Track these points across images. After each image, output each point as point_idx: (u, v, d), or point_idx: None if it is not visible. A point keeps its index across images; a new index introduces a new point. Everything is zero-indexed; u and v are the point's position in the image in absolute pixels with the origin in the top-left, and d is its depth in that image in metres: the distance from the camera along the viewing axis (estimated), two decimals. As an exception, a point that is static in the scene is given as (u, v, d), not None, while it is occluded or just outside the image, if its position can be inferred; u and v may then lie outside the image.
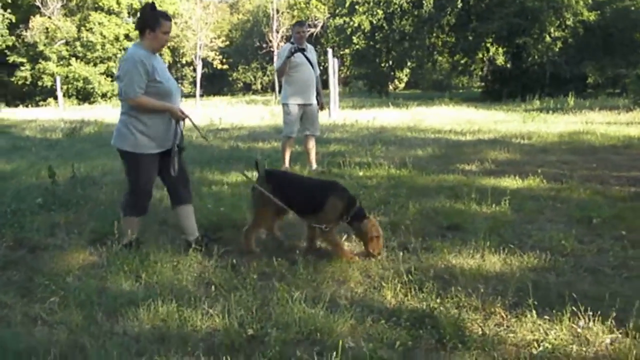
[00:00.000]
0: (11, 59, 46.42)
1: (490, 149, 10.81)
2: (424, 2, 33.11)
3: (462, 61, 36.83)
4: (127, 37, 47.39)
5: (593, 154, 10.27)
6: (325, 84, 18.78)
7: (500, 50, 34.48)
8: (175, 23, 48.94)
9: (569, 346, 3.35)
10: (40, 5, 46.09)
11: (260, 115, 22.38)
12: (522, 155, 10.25)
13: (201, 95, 46.07)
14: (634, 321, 3.47)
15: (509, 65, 34.81)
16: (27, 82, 46.34)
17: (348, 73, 45.96)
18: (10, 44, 46.80)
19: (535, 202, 6.71)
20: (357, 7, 36.79)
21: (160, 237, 5.63)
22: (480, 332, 3.56)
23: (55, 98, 42.94)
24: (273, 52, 46.48)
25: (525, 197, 6.91)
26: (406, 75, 53.47)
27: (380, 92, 40.13)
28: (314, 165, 9.10)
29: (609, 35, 33.51)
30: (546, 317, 3.68)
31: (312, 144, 9.14)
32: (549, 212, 6.35)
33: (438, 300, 3.97)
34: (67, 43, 46.35)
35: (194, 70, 48.60)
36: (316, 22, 50.95)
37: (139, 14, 4.95)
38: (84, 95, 45.84)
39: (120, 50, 46.67)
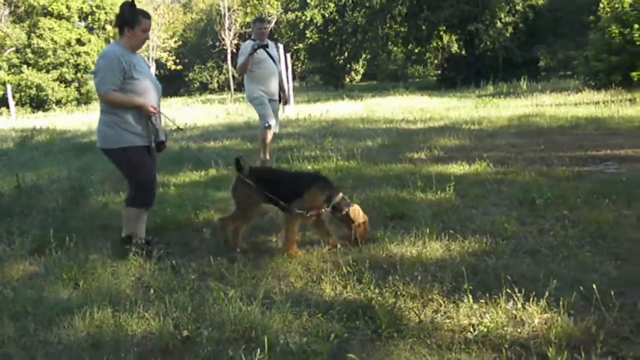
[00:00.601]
0: (-41, 68, 45.30)
1: (440, 136, 10.87)
2: (374, -7, 33.20)
3: (416, 50, 37.05)
4: (79, 41, 46.51)
5: (540, 136, 10.40)
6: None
7: (453, 37, 34.76)
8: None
9: (504, 328, 3.35)
10: (-14, 13, 45.10)
11: (215, 114, 22.20)
12: (471, 140, 10.32)
13: (157, 97, 45.41)
14: (567, 300, 3.49)
15: (462, 52, 35.08)
16: (-22, 92, 45.22)
17: (303, 67, 45.89)
18: (-43, 53, 45.77)
19: (481, 186, 6.75)
20: (308, 1, 36.73)
21: (101, 242, 5.51)
22: (417, 320, 3.56)
23: (8, 107, 42.17)
24: (226, 50, 46.23)
25: (471, 183, 6.95)
26: (362, 67, 53.58)
27: (335, 85, 40.18)
28: (267, 157, 8.97)
29: (558, 18, 34.04)
30: (482, 301, 3.69)
31: (269, 137, 8.98)
32: (494, 196, 6.39)
33: (376, 291, 3.96)
34: (17, 50, 45.35)
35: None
36: (270, 18, 50.71)
37: (118, 12, 4.88)
38: (38, 103, 44.83)
39: (72, 55, 45.84)
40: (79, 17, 47.61)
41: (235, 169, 5.13)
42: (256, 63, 8.48)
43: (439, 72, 40.29)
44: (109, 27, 47.82)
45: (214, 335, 3.45)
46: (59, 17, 45.67)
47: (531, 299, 3.58)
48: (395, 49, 39.49)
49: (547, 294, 3.57)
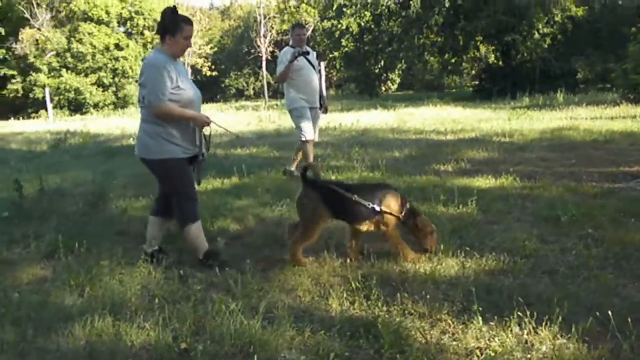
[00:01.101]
0: (2, 72, 46.29)
1: (469, 148, 10.66)
2: (411, 2, 32.93)
3: (452, 61, 36.70)
4: (117, 46, 47.29)
5: (572, 151, 10.13)
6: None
7: (490, 48, 34.38)
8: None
9: (512, 354, 3.20)
10: (30, 18, 45.93)
11: (248, 121, 22.24)
12: (500, 154, 10.09)
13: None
14: (583, 325, 3.32)
15: (499, 63, 34.66)
16: (19, 95, 46.17)
17: (339, 76, 45.85)
18: (1, 57, 46.75)
19: (505, 202, 6.55)
20: (345, 9, 36.70)
21: (115, 248, 5.48)
22: (422, 341, 3.41)
23: (46, 110, 43.02)
24: (262, 57, 46.41)
25: (495, 197, 6.75)
26: (398, 77, 53.35)
27: (370, 95, 40.01)
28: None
29: (598, 30, 33.42)
30: (492, 323, 3.53)
31: (310, 149, 8.65)
32: (518, 211, 6.19)
33: (384, 309, 3.83)
34: (57, 54, 46.20)
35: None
36: (307, 26, 50.84)
37: (160, 18, 4.74)
38: (76, 107, 45.66)
39: (111, 60, 46.60)
40: (118, 22, 48.34)
41: (302, 182, 4.91)
42: (296, 71, 8.26)
43: (476, 83, 39.86)
44: (147, 33, 48.49)
45: (211, 350, 3.36)
46: (99, 22, 46.45)
47: (544, 323, 3.40)
48: (431, 59, 39.19)
49: (560, 318, 3.39)
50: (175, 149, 4.69)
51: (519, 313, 3.51)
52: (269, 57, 44.74)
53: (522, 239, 5.15)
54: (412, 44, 34.88)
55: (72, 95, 45.16)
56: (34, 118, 41.95)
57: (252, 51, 49.72)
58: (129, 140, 16.76)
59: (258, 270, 4.75)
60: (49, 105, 34.75)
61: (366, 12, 35.35)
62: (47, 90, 36.66)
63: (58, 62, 45.97)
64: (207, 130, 4.93)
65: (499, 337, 3.37)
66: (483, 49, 34.73)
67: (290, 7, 54.23)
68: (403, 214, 4.78)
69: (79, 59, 45.77)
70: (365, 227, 4.81)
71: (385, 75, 47.20)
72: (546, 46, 32.45)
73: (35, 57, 45.43)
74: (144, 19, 49.57)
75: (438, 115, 19.42)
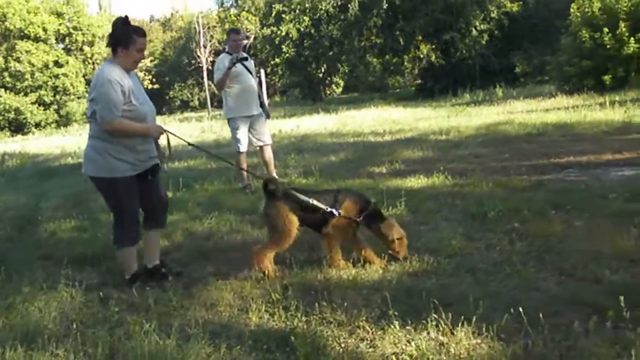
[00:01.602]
0: (-64, 93, 44.82)
1: (405, 148, 10.72)
2: (349, 5, 33.07)
3: (393, 61, 36.99)
4: (56, 63, 46.17)
5: (506, 145, 10.28)
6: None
7: (429, 47, 34.76)
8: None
9: (428, 356, 3.16)
10: (-38, 38, 44.69)
11: (190, 132, 21.98)
12: (435, 152, 10.17)
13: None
14: (498, 322, 3.31)
15: (440, 62, 35.06)
16: (-44, 117, 44.76)
17: (282, 82, 45.78)
18: None
19: (434, 201, 6.57)
20: (283, 15, 36.65)
21: (39, 273, 5.30)
22: (339, 350, 3.35)
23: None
24: (202, 67, 45.99)
25: (425, 197, 6.77)
26: (342, 80, 53.51)
27: (313, 99, 40.02)
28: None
29: (533, 25, 34.04)
30: (408, 327, 3.49)
31: (268, 154, 8.60)
32: (446, 210, 6.21)
33: (303, 318, 3.77)
34: (-6, 74, 44.96)
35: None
36: (249, 34, 50.68)
37: (111, 29, 4.52)
38: (17, 126, 44.35)
39: (50, 77, 45.49)
40: (56, 39, 47.29)
41: (265, 193, 4.79)
42: (233, 77, 8.05)
43: (417, 82, 40.24)
44: (87, 48, 47.61)
45: (122, 376, 3.24)
46: (36, 39, 45.30)
47: (460, 323, 3.38)
48: (373, 60, 39.42)
49: (475, 317, 3.38)
50: (124, 166, 4.50)
51: (435, 315, 3.48)
52: (209, 67, 44.33)
53: (448, 237, 5.16)
54: (352, 47, 35.03)
55: (12, 115, 43.86)
56: (-28, 141, 40.73)
57: (193, 62, 49.31)
58: (67, 159, 16.38)
59: (180, 287, 4.66)
60: (-14, 127, 33.72)
61: (305, 17, 35.34)
62: (-17, 111, 35.65)
63: (-5, 81, 44.72)
64: (162, 140, 4.82)
65: (415, 341, 3.33)
66: (423, 48, 35.04)
67: (230, 15, 54.00)
68: (361, 217, 4.68)
69: (17, 78, 44.53)
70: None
71: (329, 78, 47.32)
72: (484, 42, 32.96)
73: (-30, 77, 44.13)
74: (83, 34, 48.58)
75: (379, 117, 19.51)
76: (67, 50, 48.24)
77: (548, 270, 4.27)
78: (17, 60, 44.06)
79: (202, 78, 48.18)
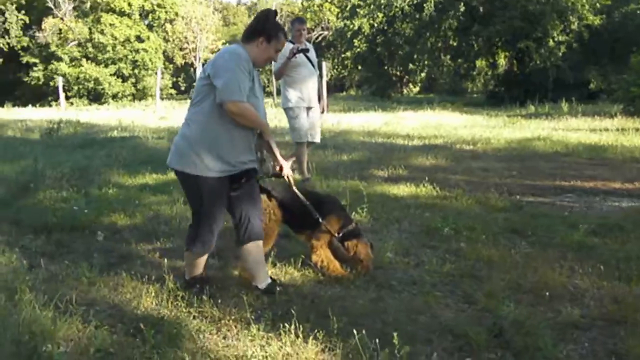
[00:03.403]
0: (25, 59, 47.01)
1: (422, 154, 10.54)
2: (425, 5, 32.63)
3: (465, 65, 36.29)
4: (138, 38, 47.67)
5: (523, 161, 9.98)
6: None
7: (503, 54, 33.95)
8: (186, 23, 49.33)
9: (268, 363, 3.15)
10: (53, 7, 46.57)
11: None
12: (448, 161, 9.96)
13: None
14: (352, 341, 3.24)
15: (514, 70, 34.21)
16: (40, 83, 46.82)
17: (350, 77, 45.64)
18: (24, 44, 47.49)
19: (402, 211, 6.46)
20: (358, 10, 36.51)
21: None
22: (196, 344, 3.38)
23: (67, 98, 43.61)
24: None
25: (397, 206, 6.68)
26: (420, 80, 52.96)
27: (381, 96, 39.73)
28: (307, 175, 8.20)
29: (616, 40, 32.73)
30: (271, 333, 3.48)
31: (306, 151, 8.28)
32: (407, 221, 6.10)
33: (185, 309, 3.85)
34: (79, 44, 46.73)
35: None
36: (329, 25, 50.89)
37: (256, 17, 4.10)
38: (95, 96, 46.15)
39: (131, 51, 46.98)
40: (140, 14, 48.70)
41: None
42: (293, 67, 7.80)
43: (489, 88, 39.38)
44: (168, 26, 48.78)
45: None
46: (121, 13, 46.82)
47: (314, 337, 3.35)
48: (447, 62, 38.78)
49: (334, 332, 3.33)
50: (215, 165, 3.90)
51: (307, 324, 3.49)
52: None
53: (385, 249, 5.07)
54: (425, 47, 34.54)
55: (91, 84, 45.62)
56: (52, 106, 42.50)
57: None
58: (113, 132, 16.88)
59: (104, 264, 4.78)
60: (61, 94, 35.06)
61: (379, 13, 35.07)
62: (60, 79, 37.10)
63: (79, 51, 46.49)
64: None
65: (267, 347, 3.31)
66: (497, 55, 34.26)
67: (313, 5, 54.31)
68: (340, 234, 4.58)
69: (100, 50, 46.22)
70: (303, 237, 4.75)
71: (406, 77, 46.94)
72: (560, 54, 31.88)
73: (57, 46, 46.01)
74: (166, 12, 49.89)
75: (428, 120, 19.21)
76: (150, 27, 49.65)
77: (456, 296, 4.16)
78: (101, 32, 45.65)
79: (270, 64, 48.53)
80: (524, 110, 24.76)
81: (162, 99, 44.60)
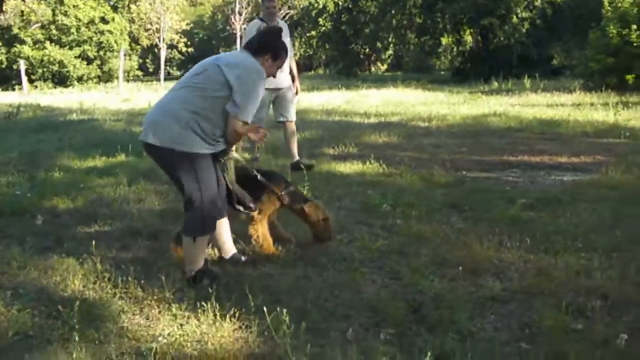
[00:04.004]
0: (-15, 42, 46.13)
1: (374, 132, 10.58)
2: (389, -18, 32.64)
3: (430, 42, 36.41)
4: (102, 20, 47.01)
5: (475, 137, 10.09)
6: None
7: (468, 31, 34.10)
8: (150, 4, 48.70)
9: (183, 343, 3.16)
10: (14, -12, 45.65)
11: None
12: (400, 138, 10.03)
13: (166, 79, 45.86)
14: (267, 320, 3.26)
15: (478, 47, 34.40)
16: (3, 66, 45.99)
17: (317, 56, 45.55)
18: (-15, 27, 46.57)
19: (345, 188, 6.50)
20: (322, -13, 36.46)
21: None
22: (116, 325, 3.41)
23: (31, 81, 42.96)
24: (235, 34, 45.97)
25: (341, 184, 6.72)
26: (388, 58, 53.01)
27: (347, 75, 39.71)
28: (296, 157, 7.94)
29: (579, 16, 33.02)
30: (188, 312, 3.50)
31: (291, 131, 8.02)
32: (349, 199, 6.14)
33: (111, 290, 3.83)
34: (42, 26, 45.94)
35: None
36: (295, 3, 50.56)
37: (268, 34, 4.25)
38: (60, 79, 45.50)
39: (95, 33, 46.32)
40: (105, -5, 48.00)
41: None
42: None
43: (455, 65, 39.57)
44: (133, 7, 48.12)
45: None
46: (85, -5, 46.09)
47: (233, 315, 3.37)
48: (413, 40, 38.83)
49: (242, 311, 3.37)
50: (202, 143, 3.87)
51: (226, 303, 3.51)
52: (242, 35, 44.28)
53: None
54: (390, 25, 34.57)
55: (55, 67, 44.97)
56: (15, 90, 41.81)
57: (228, 28, 49.40)
58: (72, 115, 16.68)
59: (39, 248, 4.76)
60: (23, 78, 34.58)
61: (344, -9, 35.05)
62: (22, 62, 36.58)
63: (42, 34, 45.72)
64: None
65: (185, 326, 3.34)
66: (461, 32, 34.40)
67: (280, -17, 53.86)
68: (283, 193, 4.54)
69: (64, 32, 45.53)
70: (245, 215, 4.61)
71: (373, 56, 46.93)
72: (524, 30, 32.11)
73: (19, 28, 45.18)
74: (131, -8, 49.33)
75: (389, 97, 19.29)
76: (114, 8, 48.94)
77: (383, 272, 4.20)
78: (65, 14, 44.94)
79: (235, 45, 48.10)
80: (488, 86, 24.95)
81: (127, 80, 44.30)
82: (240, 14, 45.73)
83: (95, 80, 46.37)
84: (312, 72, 55.03)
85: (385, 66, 57.75)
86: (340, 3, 35.63)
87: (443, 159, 8.22)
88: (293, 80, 8.05)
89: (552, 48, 33.43)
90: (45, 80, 44.92)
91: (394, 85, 25.10)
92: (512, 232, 4.86)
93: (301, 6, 41.40)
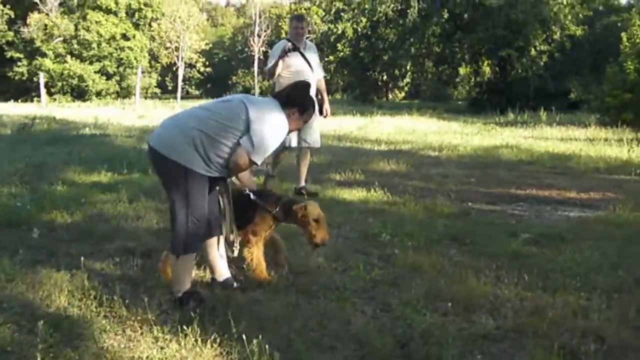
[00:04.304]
0: (9, 54, 46.75)
1: (383, 160, 10.51)
2: (409, 11, 32.70)
3: (447, 72, 36.44)
4: (123, 36, 47.62)
5: (484, 169, 10.00)
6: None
7: (486, 62, 34.09)
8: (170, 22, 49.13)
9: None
10: (39, 2, 46.36)
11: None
12: (408, 167, 9.96)
13: (186, 97, 46.16)
14: (251, 349, 3.18)
15: (497, 78, 34.35)
16: (24, 78, 46.59)
17: (334, 81, 45.67)
18: (9, 39, 47.22)
19: (346, 216, 6.41)
20: (342, 14, 36.59)
21: None
22: (96, 345, 3.34)
23: (50, 94, 43.50)
24: (254, 56, 46.22)
25: (343, 211, 6.63)
26: (405, 86, 53.07)
27: (363, 101, 39.75)
28: (302, 183, 7.73)
29: (597, 51, 33.00)
30: (169, 335, 3.43)
31: (306, 158, 7.84)
32: (348, 227, 6.04)
33: (95, 308, 3.78)
34: (64, 40, 46.60)
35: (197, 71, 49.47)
36: (315, 28, 50.86)
37: (298, 88, 4.20)
38: (79, 93, 46.12)
39: (116, 49, 46.91)
40: (126, 12, 48.54)
41: None
42: (286, 67, 7.25)
43: (473, 95, 39.51)
44: (154, 25, 48.66)
45: None
46: (107, 11, 46.68)
47: (214, 341, 3.30)
48: (431, 68, 38.88)
49: (234, 337, 3.27)
50: (202, 164, 3.81)
51: (211, 328, 3.45)
52: (261, 57, 44.56)
53: (318, 253, 4.99)
54: (408, 53, 34.64)
55: (75, 81, 45.65)
56: (34, 101, 42.27)
57: (245, 49, 49.71)
58: (85, 130, 16.80)
59: (30, 261, 4.72)
60: (42, 90, 35.02)
61: (363, 18, 35.15)
62: (42, 74, 37.08)
63: (64, 48, 46.41)
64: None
65: (165, 350, 3.26)
66: (482, 63, 34.40)
67: (301, 8, 54.34)
68: (277, 209, 4.37)
69: (85, 46, 46.19)
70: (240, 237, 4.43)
71: (391, 83, 46.99)
72: (542, 63, 32.06)
73: (41, 41, 45.84)
74: (152, 10, 49.86)
75: (402, 126, 19.24)
76: (136, 25, 49.47)
77: (374, 303, 4.09)
78: (87, 29, 45.54)
79: (253, 67, 48.33)
80: (503, 118, 24.87)
81: (145, 97, 44.64)
82: (259, 36, 46.03)
83: (113, 95, 46.86)
84: (330, 96, 55.14)
85: (403, 94, 57.84)
86: (359, 29, 35.74)
87: (449, 190, 8.13)
88: (322, 104, 7.79)
89: (569, 82, 33.24)
90: (64, 94, 45.50)
91: (409, 113, 25.05)
92: (511, 268, 4.74)
93: (320, 31, 41.54)
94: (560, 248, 5.39)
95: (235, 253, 4.30)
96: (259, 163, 3.91)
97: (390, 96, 53.05)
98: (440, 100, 46.99)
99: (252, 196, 4.34)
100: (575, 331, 3.60)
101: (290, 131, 4.14)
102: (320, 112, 7.74)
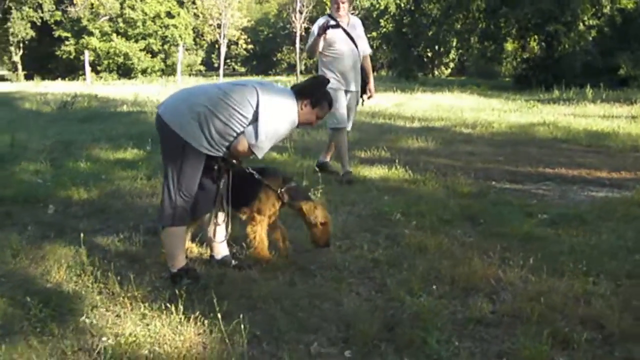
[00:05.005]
0: (57, 33, 47.49)
1: (413, 137, 10.33)
2: (453, -15, 32.09)
3: (491, 48, 35.62)
4: (168, 14, 47.90)
5: (515, 146, 9.75)
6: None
7: (532, 37, 33.20)
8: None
9: (145, 345, 3.10)
10: (85, -18, 46.92)
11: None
12: (437, 144, 9.78)
13: (231, 75, 46.19)
14: (234, 328, 3.16)
15: (543, 53, 33.44)
16: (71, 57, 47.33)
17: (378, 58, 45.12)
18: (57, 19, 47.93)
19: (361, 194, 6.32)
20: (385, -12, 36.15)
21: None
22: (84, 320, 3.36)
23: (97, 72, 44.19)
24: (295, 33, 45.80)
25: (359, 189, 6.55)
26: (451, 62, 52.28)
27: (407, 77, 39.21)
28: (347, 167, 7.27)
29: (650, 25, 31.78)
30: (152, 312, 3.44)
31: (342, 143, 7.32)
32: (361, 205, 5.96)
33: (92, 285, 3.85)
34: (110, 19, 47.12)
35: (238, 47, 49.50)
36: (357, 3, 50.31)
37: (313, 80, 4.28)
38: (124, 71, 46.74)
39: (160, 27, 47.26)
40: (171, -9, 48.80)
41: None
42: (329, 45, 6.83)
43: (518, 72, 38.58)
44: (198, 2, 48.73)
45: None
46: (152, -11, 47.01)
47: (199, 319, 3.28)
48: (475, 44, 38.08)
49: (219, 316, 3.24)
50: (202, 142, 3.81)
51: (198, 307, 3.46)
52: (303, 33, 44.12)
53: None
54: (452, 28, 34.02)
55: (120, 59, 46.19)
56: (81, 80, 42.98)
57: (287, 26, 49.43)
58: (122, 107, 16.99)
59: (38, 237, 4.79)
60: (87, 68, 35.54)
61: (406, -7, 34.66)
62: (87, 53, 37.58)
63: (110, 26, 46.92)
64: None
65: (151, 326, 3.27)
66: (529, 38, 33.51)
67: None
68: (282, 190, 4.29)
69: (130, 25, 46.64)
70: (245, 215, 4.44)
71: (437, 59, 46.33)
72: (590, 38, 31.09)
73: (88, 20, 46.42)
74: (197, -13, 50.00)
75: (441, 103, 18.88)
76: (180, 3, 49.71)
77: (370, 284, 4.02)
78: (132, 8, 45.92)
79: (295, 44, 47.95)
80: (548, 95, 24.21)
81: (189, 75, 44.91)
82: (300, 13, 45.58)
83: (159, 73, 47.24)
84: (375, 73, 54.53)
85: (449, 70, 56.91)
86: (402, 5, 35.24)
87: (475, 168, 7.96)
88: (366, 82, 7.36)
89: (619, 57, 32.11)
90: (110, 72, 46.12)
91: (450, 90, 24.58)
92: (520, 250, 4.59)
93: (363, 6, 41.10)
94: (578, 230, 5.19)
95: (224, 237, 4.28)
96: (259, 155, 3.92)
97: (436, 73, 52.16)
98: (487, 77, 46.11)
99: (255, 174, 4.28)
100: (573, 318, 3.46)
101: (299, 125, 4.10)
102: (364, 92, 7.39)
